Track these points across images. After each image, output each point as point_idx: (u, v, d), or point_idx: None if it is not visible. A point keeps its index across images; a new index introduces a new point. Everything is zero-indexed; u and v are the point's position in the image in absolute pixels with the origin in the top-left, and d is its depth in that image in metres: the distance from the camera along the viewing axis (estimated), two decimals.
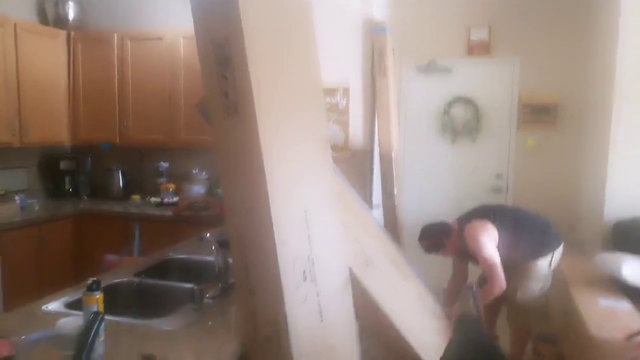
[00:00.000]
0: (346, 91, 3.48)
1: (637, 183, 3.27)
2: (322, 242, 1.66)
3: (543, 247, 2.72)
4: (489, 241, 2.62)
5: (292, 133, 1.59)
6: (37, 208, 3.71)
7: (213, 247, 1.95)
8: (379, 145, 3.70)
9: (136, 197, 4.06)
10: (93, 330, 1.15)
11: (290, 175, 1.52)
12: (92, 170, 4.31)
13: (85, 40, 4.02)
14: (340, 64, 3.41)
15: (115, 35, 3.92)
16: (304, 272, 1.55)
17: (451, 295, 2.84)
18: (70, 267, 3.66)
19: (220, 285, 1.90)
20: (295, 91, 1.72)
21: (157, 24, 3.96)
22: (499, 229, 2.67)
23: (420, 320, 2.27)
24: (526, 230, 2.75)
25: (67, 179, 4.19)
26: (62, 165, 4.16)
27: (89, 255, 3.62)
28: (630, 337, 1.84)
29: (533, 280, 2.72)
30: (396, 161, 3.74)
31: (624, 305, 2.52)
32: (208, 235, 2.03)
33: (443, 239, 2.78)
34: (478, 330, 1.10)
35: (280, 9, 1.70)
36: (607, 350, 1.69)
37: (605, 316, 2.37)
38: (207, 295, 1.80)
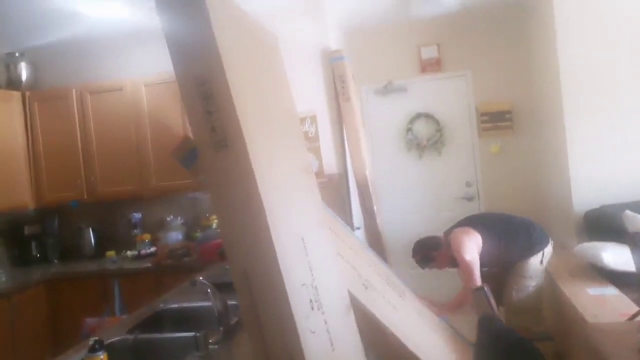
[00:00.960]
0: (314, 119, 3.53)
1: (599, 173, 3.42)
2: (321, 269, 1.66)
3: (532, 246, 2.79)
4: (469, 245, 2.71)
5: (279, 161, 1.61)
6: (4, 279, 3.51)
7: (209, 291, 1.89)
8: (353, 167, 3.74)
9: (111, 253, 3.91)
10: None
11: (285, 204, 1.52)
12: (60, 231, 4.13)
13: (41, 99, 3.92)
14: (305, 94, 3.46)
15: (74, 90, 3.84)
16: (311, 300, 1.53)
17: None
18: (48, 337, 3.44)
19: (221, 329, 1.84)
20: (276, 120, 1.75)
21: (116, 75, 3.91)
22: (482, 235, 2.76)
23: (426, 335, 2.27)
24: (511, 233, 2.83)
25: (33, 244, 3.99)
26: (27, 230, 3.97)
27: (66, 322, 3.43)
28: (634, 317, 1.89)
29: (527, 279, 2.78)
30: (371, 180, 3.79)
31: (612, 291, 2.60)
32: (201, 278, 1.97)
33: (432, 252, 2.85)
34: (502, 327, 1.10)
35: (253, 43, 1.74)
36: (607, 335, 1.73)
37: (597, 303, 2.44)
38: (210, 341, 1.73)
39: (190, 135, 3.25)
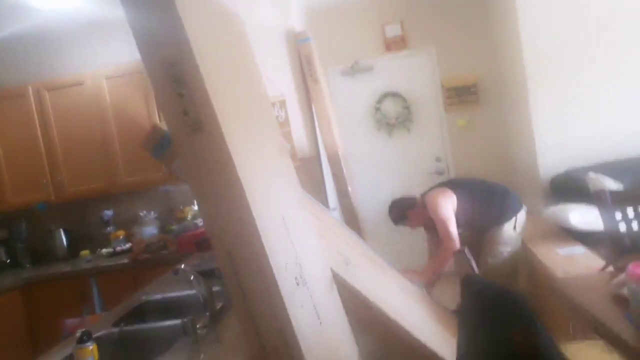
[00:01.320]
0: (283, 103, 3.51)
1: (563, 139, 3.55)
2: (303, 247, 1.67)
3: (505, 212, 2.88)
4: (445, 204, 2.82)
5: (255, 143, 1.61)
6: None
7: (192, 277, 1.88)
8: (325, 149, 3.76)
9: (85, 253, 3.83)
10: None
11: (264, 185, 1.53)
12: (29, 235, 4.01)
13: None
14: (272, 78, 3.44)
15: (30, 87, 3.70)
16: (296, 277, 1.55)
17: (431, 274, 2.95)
18: (27, 342, 3.36)
19: (207, 314, 1.84)
20: (249, 103, 1.74)
21: (74, 69, 3.78)
22: (457, 195, 2.86)
23: (410, 307, 2.33)
24: (485, 196, 2.93)
25: (1, 250, 3.87)
26: None
27: (44, 326, 3.35)
28: (605, 268, 1.98)
29: (501, 245, 2.87)
30: (344, 161, 3.82)
31: (581, 250, 2.72)
32: (183, 266, 1.96)
33: (406, 211, 2.99)
34: (485, 282, 1.15)
35: (220, 25, 1.72)
36: (579, 286, 1.81)
37: (567, 261, 2.55)
38: (198, 326, 1.74)
39: (160, 123, 3.20)
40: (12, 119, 3.74)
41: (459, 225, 2.82)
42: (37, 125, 3.72)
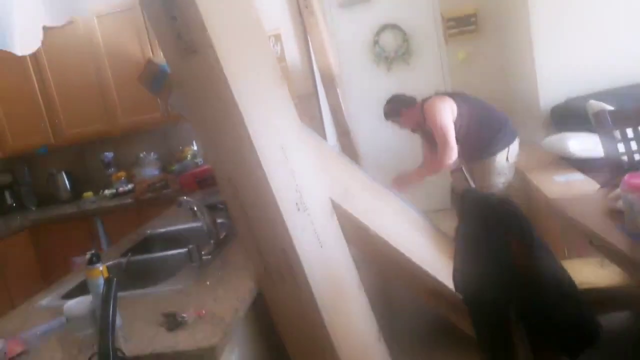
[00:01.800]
0: (278, 37, 3.43)
1: (563, 67, 3.48)
2: (303, 175, 1.69)
3: (499, 139, 2.86)
4: (444, 111, 2.77)
5: (250, 69, 1.58)
6: None
7: (195, 208, 1.92)
8: (323, 85, 3.70)
9: (88, 194, 3.88)
10: (112, 296, 1.12)
11: (261, 111, 1.52)
12: (33, 178, 4.05)
13: None
14: (266, 11, 3.33)
15: None
16: (296, 203, 1.58)
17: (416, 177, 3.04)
18: (38, 278, 3.48)
19: (212, 242, 1.90)
20: (241, 27, 1.69)
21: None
22: (458, 107, 2.80)
23: (408, 232, 2.38)
24: (485, 116, 2.88)
25: (7, 194, 3.92)
26: None
27: (54, 264, 3.46)
28: (601, 187, 2.01)
29: (495, 175, 2.86)
30: (342, 95, 3.77)
31: (578, 176, 2.74)
32: (185, 197, 1.99)
33: (402, 107, 2.96)
34: (484, 195, 1.18)
35: None
36: (574, 204, 1.84)
37: (564, 187, 2.58)
38: (204, 253, 1.79)
39: (154, 57, 3.14)
40: (4, 63, 3.66)
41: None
42: (31, 69, 3.65)
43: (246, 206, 1.46)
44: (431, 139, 2.91)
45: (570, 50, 3.47)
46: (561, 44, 3.46)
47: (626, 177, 1.31)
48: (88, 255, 1.28)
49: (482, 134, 2.84)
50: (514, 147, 2.91)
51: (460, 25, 4.39)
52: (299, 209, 1.58)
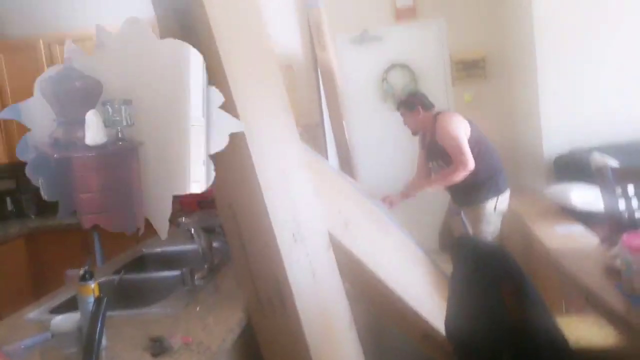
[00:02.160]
0: (290, 68, 3.49)
1: (569, 117, 3.52)
2: (302, 205, 1.70)
3: (490, 187, 2.86)
4: (460, 124, 2.79)
5: (260, 100, 1.61)
6: None
7: (192, 231, 1.92)
8: (330, 118, 3.75)
9: None
10: (101, 316, 1.11)
11: (266, 139, 1.54)
12: (36, 187, 4.04)
13: (7, 49, 3.75)
14: (279, 44, 3.40)
15: (41, 40, 3.68)
16: (293, 234, 1.58)
17: (412, 188, 3.07)
18: (30, 289, 3.44)
19: (206, 266, 1.88)
20: (255, 60, 1.73)
21: (86, 23, 3.74)
22: (471, 130, 2.81)
23: (408, 271, 2.34)
24: (486, 152, 2.88)
25: (8, 200, 3.92)
26: (0, 186, 3.89)
27: (47, 275, 3.42)
28: (603, 242, 1.99)
29: (484, 224, 2.85)
30: (347, 127, 3.81)
31: (579, 229, 2.72)
32: (184, 218, 1.99)
33: (419, 105, 2.95)
34: (479, 242, 1.17)
35: None
36: (572, 258, 1.83)
37: (564, 239, 2.56)
38: (197, 277, 1.78)
39: None
40: (23, 70, 3.73)
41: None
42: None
43: (243, 233, 1.46)
44: (428, 149, 2.93)
45: (577, 100, 3.51)
46: (568, 94, 3.51)
47: (624, 237, 1.31)
48: (81, 272, 1.27)
49: (481, 167, 2.81)
50: (504, 197, 2.91)
51: (469, 69, 4.47)
52: (295, 240, 1.58)
